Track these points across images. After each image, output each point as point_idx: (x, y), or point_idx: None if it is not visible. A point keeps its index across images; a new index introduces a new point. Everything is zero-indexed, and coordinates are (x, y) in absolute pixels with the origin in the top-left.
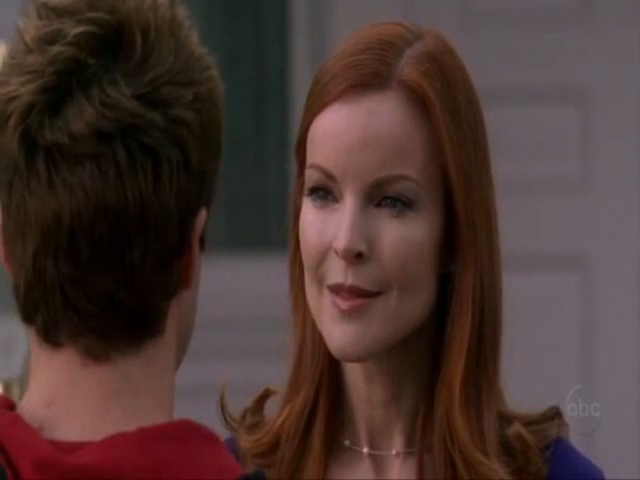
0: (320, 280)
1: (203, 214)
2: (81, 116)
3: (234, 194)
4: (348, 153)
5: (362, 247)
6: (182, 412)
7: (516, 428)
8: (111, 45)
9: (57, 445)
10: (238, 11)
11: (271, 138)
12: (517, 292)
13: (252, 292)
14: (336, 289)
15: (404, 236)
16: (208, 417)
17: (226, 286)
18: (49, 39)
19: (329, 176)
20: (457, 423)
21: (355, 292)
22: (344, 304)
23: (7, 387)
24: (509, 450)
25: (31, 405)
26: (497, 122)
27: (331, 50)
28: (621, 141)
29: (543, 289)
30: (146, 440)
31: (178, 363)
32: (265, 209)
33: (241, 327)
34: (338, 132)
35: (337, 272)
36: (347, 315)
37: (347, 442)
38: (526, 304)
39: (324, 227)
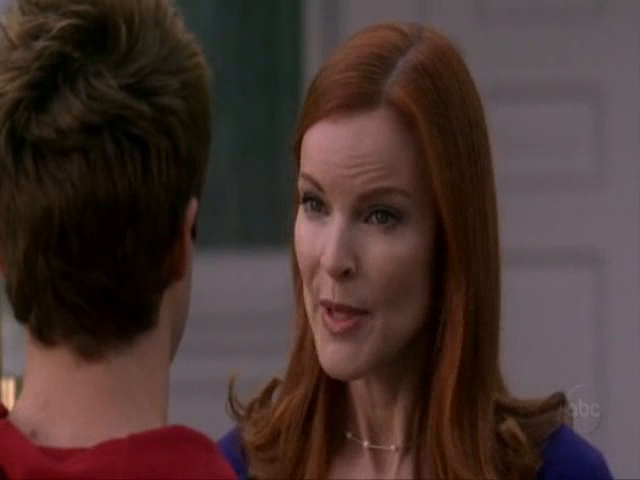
0: (314, 293)
1: (194, 204)
2: (68, 110)
3: (247, 192)
4: (335, 171)
5: (349, 264)
6: (201, 407)
7: (509, 426)
8: (96, 37)
9: (49, 453)
10: (251, 9)
11: (284, 136)
12: (531, 288)
13: (266, 288)
14: (326, 304)
15: (391, 253)
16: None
17: (240, 283)
18: (33, 34)
19: (319, 187)
20: (446, 441)
21: (343, 310)
22: (335, 326)
23: (19, 383)
24: (502, 443)
25: (25, 408)
26: (511, 119)
27: None
28: (635, 137)
29: (557, 285)
30: (138, 447)
31: (172, 355)
32: (278, 207)
33: (256, 323)
34: (326, 151)
35: (327, 288)
36: (339, 336)
37: (349, 434)
38: (540, 300)
39: (314, 240)
